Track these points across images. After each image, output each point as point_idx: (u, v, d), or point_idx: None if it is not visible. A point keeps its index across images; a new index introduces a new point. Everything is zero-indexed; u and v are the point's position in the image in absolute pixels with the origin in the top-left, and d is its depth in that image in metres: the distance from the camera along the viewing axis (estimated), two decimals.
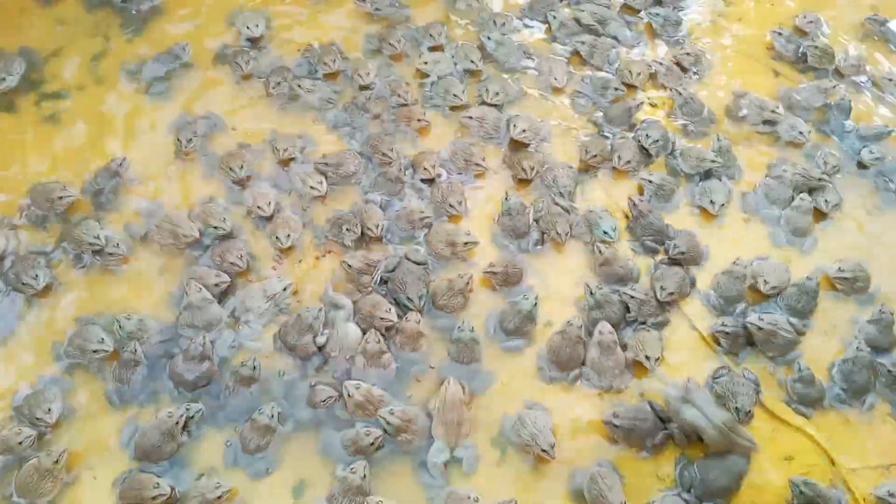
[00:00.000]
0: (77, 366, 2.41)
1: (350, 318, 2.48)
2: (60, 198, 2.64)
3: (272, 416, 2.29)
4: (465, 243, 2.63)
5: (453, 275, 2.56)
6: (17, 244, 2.61)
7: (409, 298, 2.52)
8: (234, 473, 2.26)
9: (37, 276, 2.50)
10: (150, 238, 2.61)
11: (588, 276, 2.66)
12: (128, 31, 3.13)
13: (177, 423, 2.25)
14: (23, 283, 2.49)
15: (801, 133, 2.97)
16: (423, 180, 2.79)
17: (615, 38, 3.23)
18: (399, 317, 2.49)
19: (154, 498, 2.13)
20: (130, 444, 2.27)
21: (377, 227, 2.64)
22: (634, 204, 2.72)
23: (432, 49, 3.14)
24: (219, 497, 2.17)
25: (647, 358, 2.45)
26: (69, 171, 2.78)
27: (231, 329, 2.48)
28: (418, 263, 2.61)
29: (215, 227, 2.61)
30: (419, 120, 2.90)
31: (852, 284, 2.66)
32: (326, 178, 2.75)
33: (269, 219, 2.67)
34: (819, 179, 2.86)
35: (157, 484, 2.15)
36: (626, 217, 2.78)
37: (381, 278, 2.58)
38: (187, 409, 2.29)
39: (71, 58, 3.04)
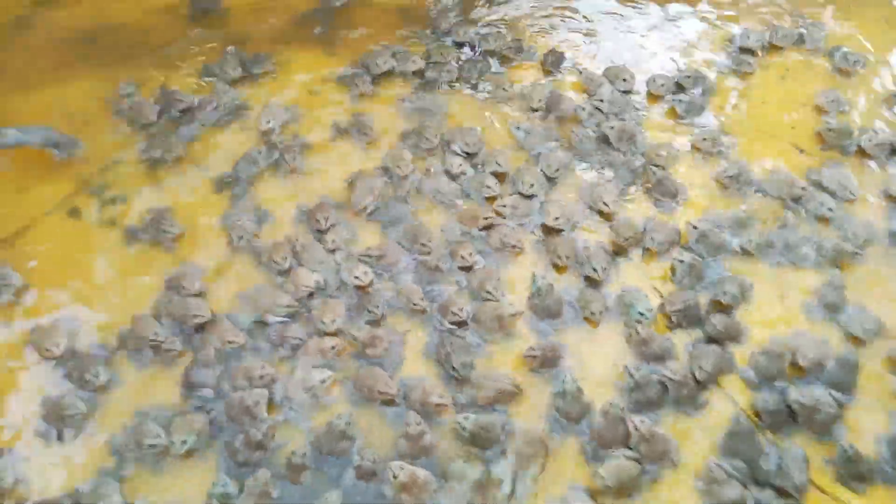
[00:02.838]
0: (133, 459, 2.50)
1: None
2: None
3: None
4: (512, 315, 2.73)
5: (504, 377, 2.62)
6: (76, 343, 2.74)
7: (453, 368, 2.61)
8: None
9: (98, 373, 2.63)
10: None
11: (624, 356, 2.71)
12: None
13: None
14: (85, 381, 2.62)
15: (829, 209, 3.03)
16: (460, 268, 2.90)
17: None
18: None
19: None
20: None
21: (421, 300, 2.79)
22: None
23: (467, 154, 3.24)
24: None
25: None
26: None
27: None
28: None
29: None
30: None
31: None
32: (371, 269, 2.88)
33: (311, 296, 2.82)
34: (853, 254, 2.91)
35: None
36: (661, 296, 2.84)
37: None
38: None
39: (129, 163, 3.25)
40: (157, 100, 3.40)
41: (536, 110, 3.41)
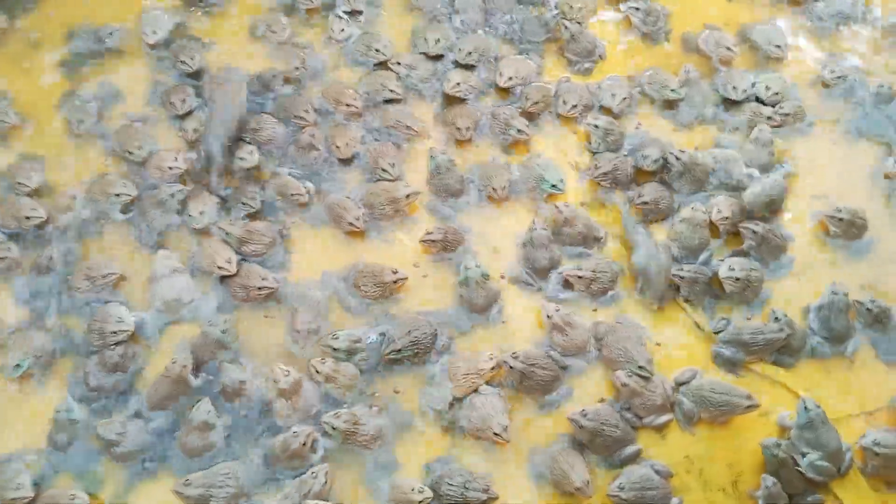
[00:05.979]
0: None
1: None
2: None
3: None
4: (407, 196, 2.42)
5: (383, 268, 2.32)
6: None
7: None
8: None
9: None
10: None
11: None
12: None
13: None
14: None
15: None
16: (339, 160, 2.54)
17: None
18: None
19: None
20: None
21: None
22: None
23: (350, 14, 2.84)
24: None
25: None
26: None
27: None
28: None
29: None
30: (348, 105, 2.61)
31: (848, 228, 2.45)
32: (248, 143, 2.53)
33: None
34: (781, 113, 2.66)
35: None
36: (576, 168, 2.55)
37: None
38: None
39: None
40: None
41: None
